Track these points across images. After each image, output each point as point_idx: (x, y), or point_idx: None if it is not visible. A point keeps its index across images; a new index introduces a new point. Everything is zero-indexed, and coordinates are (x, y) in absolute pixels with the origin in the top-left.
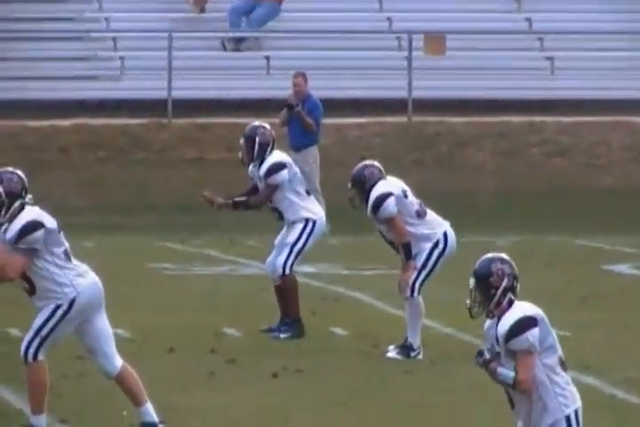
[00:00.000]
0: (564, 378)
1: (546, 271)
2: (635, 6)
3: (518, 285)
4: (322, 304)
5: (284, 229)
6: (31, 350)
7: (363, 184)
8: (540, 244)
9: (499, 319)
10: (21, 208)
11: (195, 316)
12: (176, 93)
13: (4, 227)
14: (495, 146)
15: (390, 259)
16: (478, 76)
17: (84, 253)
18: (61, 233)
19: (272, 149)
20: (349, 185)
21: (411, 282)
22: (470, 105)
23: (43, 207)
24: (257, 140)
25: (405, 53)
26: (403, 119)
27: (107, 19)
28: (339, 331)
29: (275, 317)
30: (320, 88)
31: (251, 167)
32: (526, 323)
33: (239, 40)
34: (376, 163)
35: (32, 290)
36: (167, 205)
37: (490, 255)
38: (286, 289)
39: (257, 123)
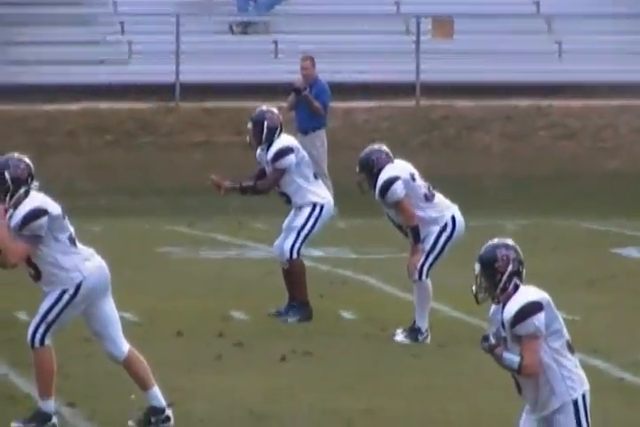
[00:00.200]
0: (571, 361)
1: (553, 255)
2: None
3: (524, 270)
4: (330, 288)
5: (292, 212)
6: (38, 336)
7: (371, 168)
8: (547, 227)
9: (504, 305)
10: (26, 195)
11: (202, 299)
12: (184, 77)
13: (9, 213)
14: (503, 129)
15: (398, 242)
16: (486, 60)
17: (92, 236)
18: (66, 219)
19: (280, 132)
20: (357, 169)
21: (419, 265)
22: (478, 88)
23: (50, 191)
24: (265, 124)
25: (413, 37)
26: (410, 103)
27: (114, 2)
28: (347, 314)
29: (282, 300)
30: (328, 72)
31: (259, 151)
32: (532, 308)
33: (247, 24)
34: (384, 146)
35: (38, 276)
36: (175, 189)
37: (495, 241)
38: (294, 273)
39: (264, 107)
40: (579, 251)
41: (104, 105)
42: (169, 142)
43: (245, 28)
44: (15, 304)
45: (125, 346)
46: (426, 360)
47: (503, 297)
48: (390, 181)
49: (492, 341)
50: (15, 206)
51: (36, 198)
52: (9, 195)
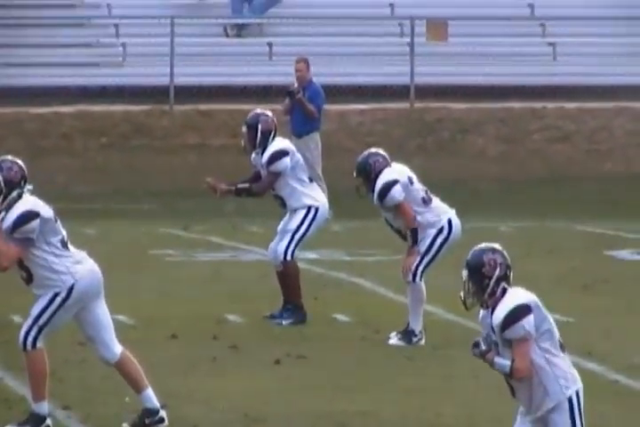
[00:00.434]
0: (563, 360)
1: (548, 257)
2: None
3: (511, 273)
4: (324, 290)
5: (287, 215)
6: (30, 339)
7: (369, 173)
8: (542, 230)
9: (493, 309)
10: (19, 198)
11: (197, 302)
12: (178, 80)
13: (1, 215)
14: (497, 132)
15: (392, 245)
16: (480, 62)
17: (87, 239)
18: (58, 222)
19: (274, 136)
20: (355, 174)
21: (413, 267)
22: (472, 91)
23: (45, 194)
24: (259, 127)
25: (408, 39)
26: (405, 105)
27: (108, 5)
28: (341, 317)
29: (277, 303)
30: (322, 74)
31: (253, 155)
32: (520, 311)
33: (241, 26)
34: (381, 150)
35: (29, 278)
36: (169, 192)
37: (481, 246)
38: (288, 275)
39: (259, 110)
40: (573, 253)
41: (98, 108)
42: (163, 145)
43: (240, 30)
44: (10, 307)
45: (118, 348)
46: (420, 363)
47: (491, 302)
48: (389, 185)
49: (483, 347)
50: (7, 209)
51: (29, 201)
52: (1, 197)
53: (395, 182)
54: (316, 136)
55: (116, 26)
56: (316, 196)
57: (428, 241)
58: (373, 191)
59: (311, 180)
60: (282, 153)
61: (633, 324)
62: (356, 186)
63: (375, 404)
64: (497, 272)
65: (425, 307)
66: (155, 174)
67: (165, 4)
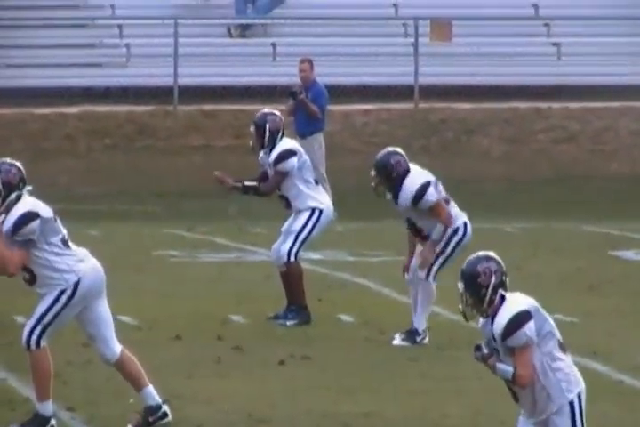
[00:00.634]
0: (564, 361)
1: (553, 258)
2: None
3: (507, 279)
4: (328, 291)
5: (292, 216)
6: (34, 338)
7: (389, 172)
8: (547, 230)
9: (493, 317)
10: (18, 200)
11: (201, 303)
12: (182, 80)
13: (1, 218)
14: (502, 132)
15: (396, 245)
16: (485, 63)
17: (91, 240)
18: (58, 221)
19: (282, 135)
20: (373, 173)
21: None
22: (477, 91)
23: (48, 195)
24: (267, 127)
25: (412, 40)
26: (409, 106)
27: (112, 6)
28: (345, 318)
29: (281, 304)
30: (326, 75)
31: (261, 154)
32: (521, 318)
33: (245, 27)
34: (399, 150)
35: (32, 279)
36: (174, 193)
37: (474, 256)
38: (291, 276)
39: (267, 109)
40: (578, 254)
41: (102, 108)
42: (168, 146)
43: (243, 31)
44: (14, 308)
45: (118, 347)
46: (425, 364)
47: (491, 310)
48: (424, 188)
49: (485, 350)
50: (7, 211)
51: (27, 202)
52: (0, 200)
53: (428, 184)
54: (320, 137)
55: (120, 26)
56: (321, 198)
57: (443, 241)
58: (392, 191)
59: (317, 182)
60: (290, 153)
61: (638, 324)
62: (374, 185)
63: (379, 405)
64: (493, 280)
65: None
66: (159, 175)
67: (169, 5)
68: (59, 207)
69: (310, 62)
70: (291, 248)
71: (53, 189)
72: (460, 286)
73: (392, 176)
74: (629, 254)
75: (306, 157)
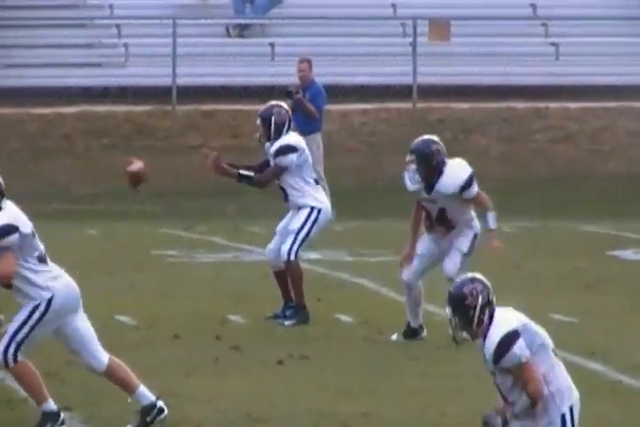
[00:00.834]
0: (559, 372)
1: (551, 257)
2: None
3: (494, 297)
4: (326, 291)
5: (289, 214)
6: (9, 356)
7: (429, 160)
8: (545, 230)
9: (484, 339)
10: None
11: (199, 303)
12: (180, 80)
13: None
14: (500, 132)
15: (394, 245)
16: (483, 62)
17: (89, 240)
18: (36, 237)
19: (289, 128)
20: (412, 158)
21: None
22: (475, 91)
23: (47, 194)
24: (273, 119)
25: (410, 39)
26: (407, 105)
27: (110, 5)
28: (344, 317)
29: (279, 303)
30: (324, 74)
31: (267, 144)
32: (509, 340)
33: (243, 27)
34: (436, 137)
35: (10, 287)
36: (172, 192)
37: (459, 279)
38: (291, 276)
39: (273, 102)
40: (576, 253)
41: (101, 108)
42: (166, 145)
43: (242, 31)
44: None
45: (105, 356)
46: (424, 363)
47: (481, 331)
48: (472, 177)
49: (496, 420)
50: None
51: (8, 214)
52: None
53: (473, 175)
54: (318, 137)
55: (118, 26)
56: (320, 197)
57: (468, 242)
58: (429, 179)
59: (317, 181)
60: (290, 148)
61: (636, 324)
62: (410, 169)
63: (378, 404)
64: (480, 300)
65: (428, 307)
66: (157, 175)
67: (167, 5)
68: (57, 207)
69: (309, 62)
70: (290, 247)
71: (52, 188)
72: (448, 309)
73: (432, 164)
74: (627, 254)
75: (307, 155)
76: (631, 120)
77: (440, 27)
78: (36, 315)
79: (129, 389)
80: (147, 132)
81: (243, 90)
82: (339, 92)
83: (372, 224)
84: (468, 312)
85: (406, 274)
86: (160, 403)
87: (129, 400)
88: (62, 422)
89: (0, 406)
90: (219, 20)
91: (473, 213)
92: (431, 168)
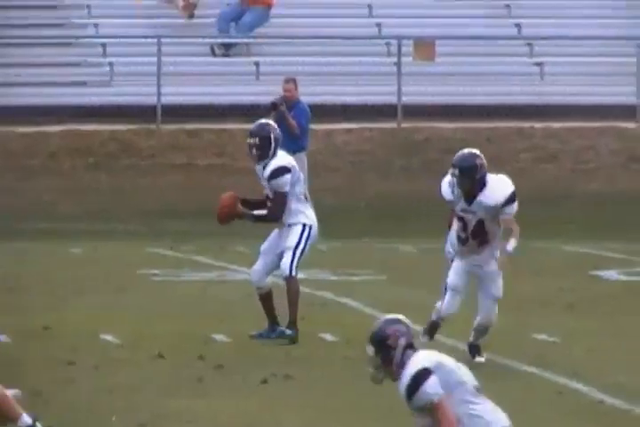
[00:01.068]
0: (484, 406)
1: (534, 277)
2: (621, 12)
3: (414, 342)
4: (310, 310)
5: (275, 233)
6: None
7: (473, 174)
8: (528, 250)
9: (402, 376)
10: None
11: (184, 322)
12: (165, 99)
13: None
14: (484, 151)
15: (378, 265)
16: (467, 82)
17: (73, 259)
18: None
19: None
20: (454, 172)
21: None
22: (459, 111)
23: (32, 213)
24: (272, 137)
25: (395, 59)
26: (392, 125)
27: (96, 25)
28: (327, 337)
29: (264, 323)
30: (309, 94)
31: (258, 166)
32: (419, 378)
33: (228, 46)
34: (477, 151)
35: None
36: (156, 211)
37: (382, 318)
38: (290, 291)
39: (263, 120)
40: (559, 273)
41: (86, 127)
42: (151, 164)
43: (227, 50)
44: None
45: None
46: None
47: (399, 372)
48: (515, 195)
49: None
50: None
51: None
52: None
53: (516, 193)
54: (303, 156)
55: (104, 45)
56: (311, 215)
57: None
58: (470, 192)
59: (307, 198)
60: (284, 170)
61: (618, 344)
62: (450, 184)
63: (362, 423)
64: (402, 342)
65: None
66: (141, 194)
67: (152, 24)
68: (42, 225)
69: (294, 82)
70: (291, 263)
71: (37, 207)
72: (369, 349)
73: (476, 178)
74: (611, 274)
75: (299, 173)
76: (614, 139)
77: (425, 46)
78: None
79: (13, 417)
80: (131, 150)
81: (227, 109)
82: (323, 112)
83: (356, 244)
84: (389, 353)
85: (449, 308)
86: (38, 424)
87: (113, 419)
88: None
89: None
90: (203, 39)
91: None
92: (474, 182)
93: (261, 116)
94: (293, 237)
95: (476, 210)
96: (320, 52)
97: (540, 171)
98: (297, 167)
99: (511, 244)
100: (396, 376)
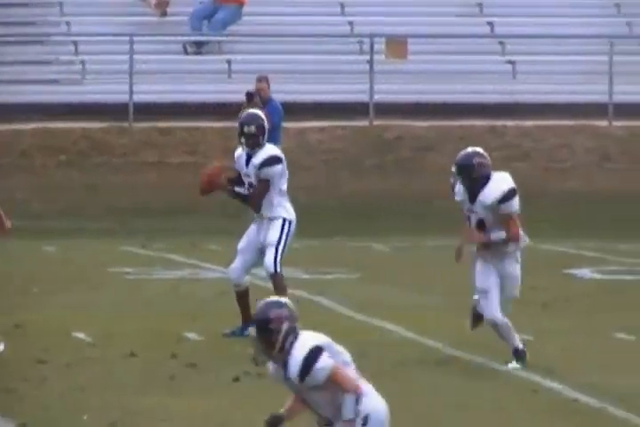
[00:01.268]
0: (367, 386)
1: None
2: (594, 10)
3: (297, 325)
4: None
5: (253, 228)
6: None
7: (470, 172)
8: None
9: (286, 362)
10: None
11: (156, 320)
12: (137, 97)
13: None
14: (456, 150)
15: (351, 263)
16: (440, 80)
17: (46, 257)
18: None
19: None
20: (454, 170)
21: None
22: (432, 109)
23: (4, 212)
24: (265, 124)
25: (367, 57)
26: (364, 123)
27: (68, 22)
28: None
29: (236, 321)
30: (282, 92)
31: (239, 152)
32: (310, 357)
33: (200, 44)
34: (481, 150)
35: None
36: (128, 209)
37: (267, 300)
38: (277, 287)
39: (251, 110)
40: (533, 272)
41: (58, 125)
42: (123, 162)
43: (199, 48)
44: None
45: None
46: (380, 381)
47: (282, 356)
48: (512, 192)
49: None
50: None
51: None
52: None
53: (515, 190)
54: None
55: (76, 43)
56: (290, 210)
57: (518, 265)
58: (471, 191)
59: (286, 193)
60: (277, 160)
61: (592, 343)
62: (451, 183)
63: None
64: (285, 326)
65: (385, 325)
66: (113, 192)
67: (125, 22)
68: (14, 223)
69: (267, 80)
70: (275, 260)
71: (9, 205)
72: (252, 331)
73: (472, 177)
74: (584, 272)
75: (285, 167)
76: (588, 138)
77: (397, 44)
78: None
79: None
80: (103, 148)
81: (200, 107)
82: (295, 110)
83: (329, 242)
84: (271, 337)
85: (489, 312)
86: None
87: (84, 418)
88: None
89: None
90: (176, 37)
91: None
92: (471, 180)
93: (234, 115)
94: (274, 232)
95: (478, 209)
96: (292, 50)
97: (512, 169)
98: (284, 160)
99: (496, 234)
100: (277, 360)
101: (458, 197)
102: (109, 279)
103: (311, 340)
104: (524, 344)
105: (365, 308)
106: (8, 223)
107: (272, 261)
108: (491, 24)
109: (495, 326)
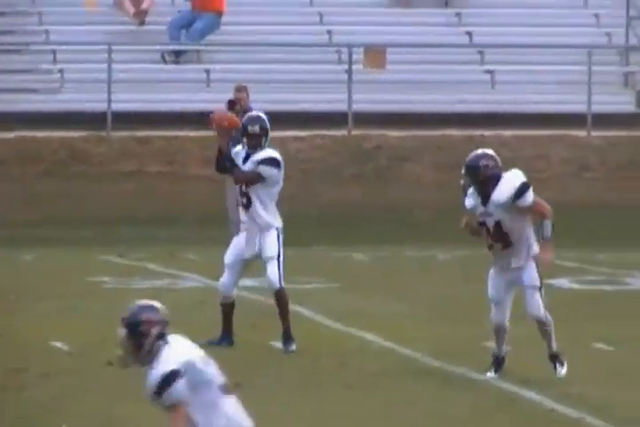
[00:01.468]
0: (227, 407)
1: (484, 285)
2: (573, 20)
3: (167, 330)
4: (262, 318)
5: (237, 242)
6: None
7: (477, 174)
8: (479, 257)
9: (149, 370)
10: None
11: None
12: (116, 106)
13: None
14: (435, 159)
15: (330, 273)
16: (418, 90)
17: (24, 266)
18: None
19: None
20: (463, 172)
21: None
22: (410, 118)
23: None
24: (267, 126)
25: (345, 67)
26: (342, 132)
27: (46, 31)
28: (278, 345)
29: (214, 331)
30: (260, 101)
31: (238, 148)
32: (167, 380)
33: (179, 53)
34: (491, 151)
35: None
36: (107, 219)
37: (139, 304)
38: (281, 303)
39: (254, 113)
40: None
41: (36, 134)
42: (101, 172)
43: (177, 57)
44: None
45: None
46: (359, 391)
47: (148, 360)
48: (525, 186)
49: None
50: None
51: None
52: None
53: (527, 184)
54: None
55: (54, 52)
56: (279, 217)
57: (536, 274)
58: (482, 193)
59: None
60: (276, 162)
61: (570, 352)
62: (462, 184)
63: None
64: (154, 331)
65: (364, 335)
66: (92, 201)
67: (103, 31)
68: None
69: (246, 90)
70: (279, 274)
71: None
72: (122, 331)
73: (479, 179)
74: (562, 282)
75: (282, 174)
76: (566, 148)
77: (376, 54)
78: None
79: None
80: (82, 158)
81: (178, 116)
82: (274, 119)
83: (308, 251)
84: (140, 339)
85: (496, 317)
86: None
87: None
88: None
89: None
90: (154, 46)
91: (532, 236)
92: (479, 182)
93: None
94: (272, 245)
95: (493, 210)
96: (271, 59)
97: None
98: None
99: (547, 228)
100: (144, 364)
101: (468, 203)
102: (87, 289)
103: (173, 360)
104: (505, 354)
105: (345, 317)
106: None
107: (276, 276)
108: (469, 34)
109: (499, 328)
